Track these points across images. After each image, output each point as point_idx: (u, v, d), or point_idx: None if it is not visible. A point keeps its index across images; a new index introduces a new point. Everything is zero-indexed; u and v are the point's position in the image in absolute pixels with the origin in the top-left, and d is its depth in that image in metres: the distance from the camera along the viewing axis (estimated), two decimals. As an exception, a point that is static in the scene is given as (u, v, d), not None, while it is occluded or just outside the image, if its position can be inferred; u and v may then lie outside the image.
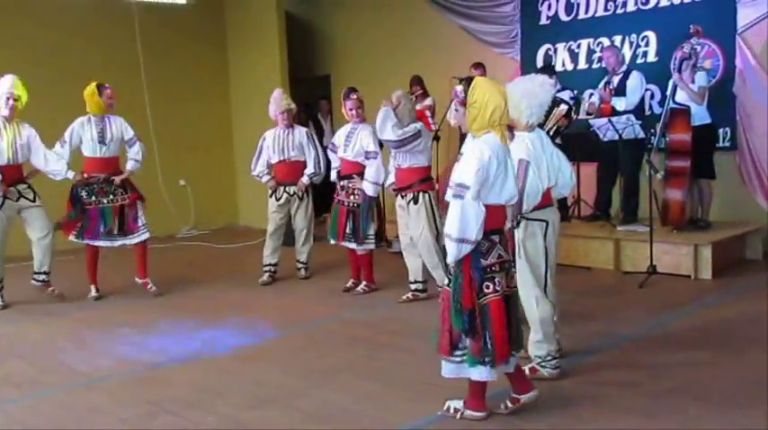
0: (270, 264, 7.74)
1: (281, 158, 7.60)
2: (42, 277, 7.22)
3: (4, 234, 7.02)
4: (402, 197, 6.58)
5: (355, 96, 7.02)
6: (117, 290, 7.53)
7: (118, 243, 7.28)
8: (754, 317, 5.81)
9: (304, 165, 7.66)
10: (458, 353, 3.99)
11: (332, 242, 7.23)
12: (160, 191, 10.15)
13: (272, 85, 10.56)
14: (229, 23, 12.05)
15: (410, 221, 6.55)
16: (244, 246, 9.53)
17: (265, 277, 7.70)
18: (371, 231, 7.01)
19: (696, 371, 4.67)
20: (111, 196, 7.18)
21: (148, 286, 7.39)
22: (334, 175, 7.33)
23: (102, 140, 7.12)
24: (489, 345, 3.88)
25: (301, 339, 5.85)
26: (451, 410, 4.12)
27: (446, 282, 4.06)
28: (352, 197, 7.02)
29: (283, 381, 4.87)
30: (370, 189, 6.91)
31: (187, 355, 5.53)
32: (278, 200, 7.65)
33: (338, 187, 7.17)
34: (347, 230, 7.01)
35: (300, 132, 7.66)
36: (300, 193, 7.65)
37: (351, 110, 6.99)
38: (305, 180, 7.62)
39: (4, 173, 6.89)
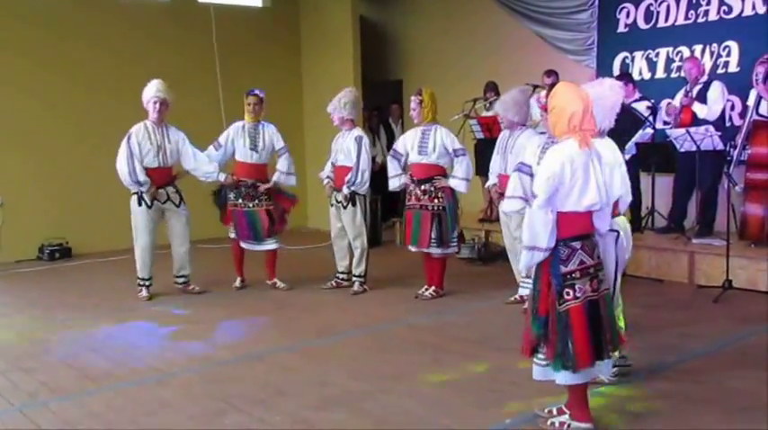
0: (339, 272, 7.65)
1: (333, 161, 7.45)
2: (181, 280, 7.52)
3: (151, 233, 7.23)
4: None
5: (414, 97, 7.00)
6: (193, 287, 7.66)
7: (256, 247, 7.52)
8: (835, 337, 5.62)
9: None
10: (540, 356, 3.99)
11: (412, 249, 7.09)
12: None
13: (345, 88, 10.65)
14: (304, 27, 12.22)
15: (512, 224, 6.50)
16: (312, 248, 9.63)
17: (332, 282, 7.65)
18: (455, 233, 6.98)
19: (773, 392, 4.55)
20: (257, 200, 7.38)
21: (276, 284, 7.66)
22: (397, 183, 7.20)
23: (253, 147, 7.37)
24: (570, 351, 3.82)
25: (368, 342, 5.87)
26: (557, 424, 4.05)
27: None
28: (437, 200, 6.92)
29: (350, 384, 4.90)
30: (462, 185, 6.89)
31: (255, 354, 5.60)
32: (331, 205, 7.49)
33: (417, 192, 7.00)
34: (433, 236, 6.90)
35: (351, 136, 7.30)
36: (345, 202, 7.33)
37: (411, 109, 7.00)
38: (344, 189, 7.27)
39: (153, 176, 7.11)
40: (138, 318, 6.76)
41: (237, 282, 7.67)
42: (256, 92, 7.43)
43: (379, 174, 8.78)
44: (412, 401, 4.56)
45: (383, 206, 10.36)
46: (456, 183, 6.91)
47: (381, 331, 6.18)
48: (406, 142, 7.13)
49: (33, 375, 5.23)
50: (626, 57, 9.29)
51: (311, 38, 12.10)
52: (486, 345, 5.64)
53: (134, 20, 10.54)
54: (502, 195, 6.44)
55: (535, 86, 8.94)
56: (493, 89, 9.60)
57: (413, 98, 7.01)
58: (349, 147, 7.27)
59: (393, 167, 7.21)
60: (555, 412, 4.12)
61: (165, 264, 7.49)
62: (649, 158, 8.20)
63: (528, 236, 3.85)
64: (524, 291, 5.98)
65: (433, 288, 7.16)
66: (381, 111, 12.23)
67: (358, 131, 7.39)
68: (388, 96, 12.32)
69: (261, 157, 7.40)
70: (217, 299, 7.36)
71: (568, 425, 4.02)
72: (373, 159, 8.93)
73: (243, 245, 7.54)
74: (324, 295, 7.45)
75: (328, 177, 7.52)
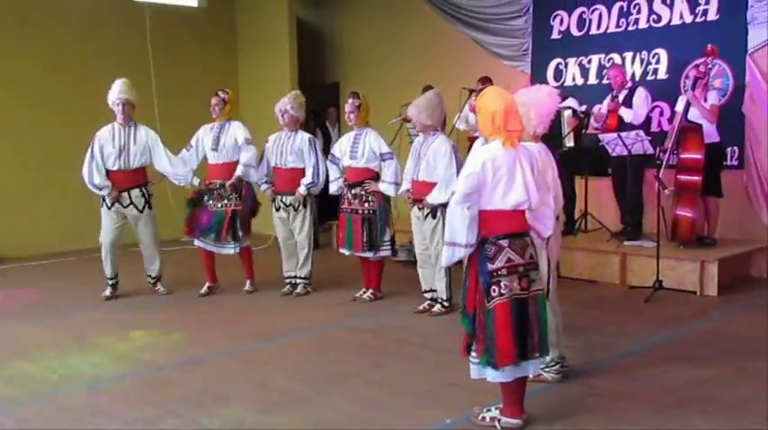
0: (290, 277, 7.56)
1: (278, 163, 7.33)
2: (149, 280, 7.49)
3: (113, 233, 7.14)
4: (419, 209, 6.53)
5: (351, 100, 7.00)
6: (125, 291, 7.51)
7: (216, 249, 7.43)
8: (758, 333, 5.83)
9: (302, 173, 7.28)
10: (474, 354, 4.04)
11: (346, 253, 7.09)
12: (167, 194, 10.15)
13: (282, 90, 10.60)
14: (240, 28, 12.13)
15: (426, 233, 6.54)
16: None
17: (285, 288, 7.53)
18: (387, 237, 6.99)
19: (701, 386, 4.69)
20: (226, 201, 7.29)
21: (246, 286, 7.62)
22: (335, 187, 7.20)
23: (215, 148, 7.28)
24: (493, 348, 3.89)
25: (308, 345, 5.86)
26: (488, 419, 4.12)
27: None
28: (367, 204, 6.94)
29: (290, 387, 4.87)
30: (391, 190, 6.88)
31: (193, 358, 5.53)
32: (277, 210, 7.40)
33: (348, 196, 7.04)
34: (364, 239, 6.92)
35: (303, 138, 7.28)
36: (296, 204, 7.30)
37: (348, 113, 7.00)
38: (302, 190, 7.20)
39: (115, 179, 7.02)
40: (70, 323, 6.60)
41: (204, 288, 7.49)
42: (219, 92, 7.39)
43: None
44: (353, 403, 4.56)
45: (320, 209, 10.32)
46: (384, 187, 6.91)
47: (321, 334, 6.16)
48: (341, 147, 7.14)
49: (-39, 383, 5.07)
50: (559, 63, 9.48)
51: (248, 39, 12.02)
52: (424, 347, 5.68)
53: (65, 18, 10.26)
54: (417, 201, 6.53)
55: (471, 91, 9.09)
56: (430, 93, 9.65)
57: (350, 101, 7.02)
58: (301, 149, 7.25)
59: (332, 172, 7.22)
60: (493, 408, 4.17)
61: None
62: (582, 162, 8.39)
63: (448, 232, 3.96)
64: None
65: (371, 290, 7.18)
66: (317, 115, 12.21)
67: (305, 133, 7.40)
68: (325, 99, 12.30)
69: (223, 156, 7.29)
70: (155, 303, 7.24)
71: (498, 420, 4.08)
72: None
73: (207, 247, 7.40)
74: (263, 298, 7.40)
75: (268, 182, 7.45)
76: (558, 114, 8.09)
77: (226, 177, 7.27)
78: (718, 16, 8.13)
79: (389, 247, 7.05)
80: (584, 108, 8.53)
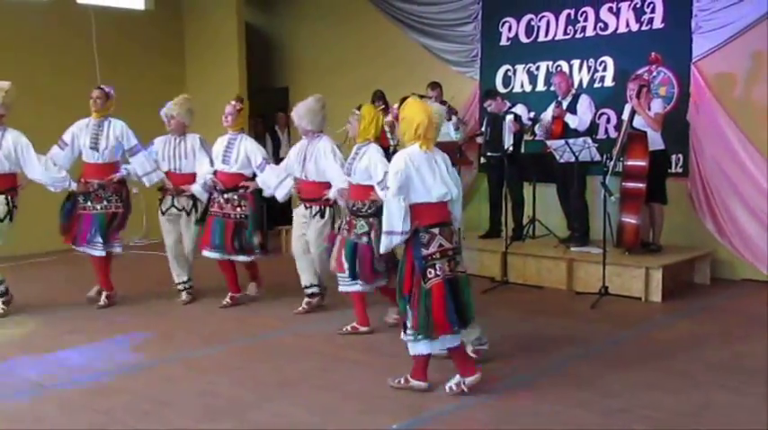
0: (182, 282, 7.34)
1: (170, 168, 7.13)
2: None
3: None
4: (306, 208, 6.61)
5: (234, 102, 6.98)
6: (67, 299, 7.37)
7: (97, 253, 7.04)
8: (701, 339, 5.93)
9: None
10: (410, 331, 4.58)
11: (216, 256, 6.98)
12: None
13: (231, 95, 10.47)
14: (188, 32, 11.98)
15: (310, 232, 6.61)
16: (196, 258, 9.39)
17: (183, 296, 7.31)
18: (258, 240, 6.97)
19: (645, 391, 4.74)
20: (106, 202, 7.01)
21: (100, 292, 7.23)
22: (199, 187, 7.03)
23: (94, 146, 6.93)
24: (431, 321, 4.44)
25: (253, 351, 5.79)
26: (402, 382, 4.73)
27: None
28: (239, 209, 6.93)
29: (236, 393, 4.81)
30: (285, 191, 6.82)
31: (137, 365, 5.43)
32: (163, 213, 7.18)
33: (221, 200, 6.95)
34: (235, 244, 6.88)
35: (193, 139, 7.13)
36: (188, 208, 7.14)
37: (226, 114, 6.91)
38: (194, 188, 7.02)
39: None
40: (12, 330, 6.43)
41: (103, 299, 7.14)
42: (102, 86, 7.10)
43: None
44: (299, 409, 4.52)
45: (269, 214, 10.23)
46: (264, 185, 6.87)
47: (268, 340, 6.10)
48: (215, 150, 7.07)
49: None
50: (508, 69, 9.56)
51: (196, 43, 11.87)
52: (373, 352, 5.66)
53: (6, 19, 10.00)
54: (305, 200, 6.64)
55: (421, 96, 9.09)
56: (381, 98, 9.65)
57: (232, 103, 6.99)
58: (194, 151, 7.10)
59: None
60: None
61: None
62: (530, 168, 8.45)
63: (385, 222, 4.52)
64: (344, 288, 6.15)
65: (253, 284, 7.40)
66: (266, 118, 12.12)
67: (194, 134, 7.20)
68: (274, 103, 12.22)
69: (104, 157, 6.96)
70: (94, 311, 7.06)
71: (408, 381, 4.71)
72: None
73: (89, 250, 7.03)
74: (205, 304, 7.25)
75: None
76: (501, 119, 8.20)
77: (104, 177, 6.97)
78: (663, 25, 8.28)
79: (260, 250, 7.05)
80: (532, 115, 8.61)
